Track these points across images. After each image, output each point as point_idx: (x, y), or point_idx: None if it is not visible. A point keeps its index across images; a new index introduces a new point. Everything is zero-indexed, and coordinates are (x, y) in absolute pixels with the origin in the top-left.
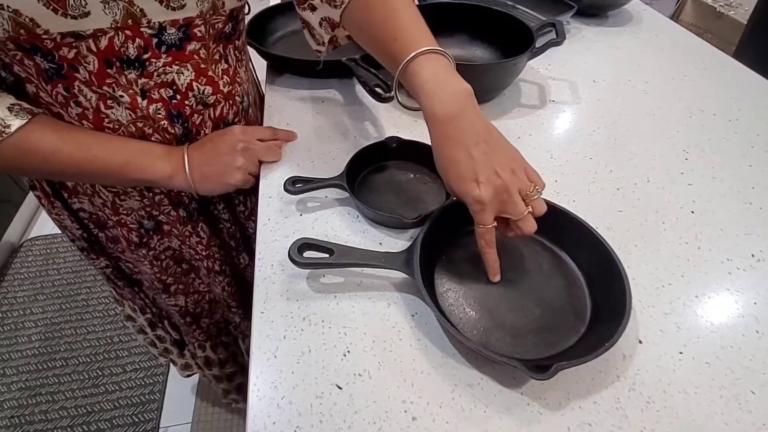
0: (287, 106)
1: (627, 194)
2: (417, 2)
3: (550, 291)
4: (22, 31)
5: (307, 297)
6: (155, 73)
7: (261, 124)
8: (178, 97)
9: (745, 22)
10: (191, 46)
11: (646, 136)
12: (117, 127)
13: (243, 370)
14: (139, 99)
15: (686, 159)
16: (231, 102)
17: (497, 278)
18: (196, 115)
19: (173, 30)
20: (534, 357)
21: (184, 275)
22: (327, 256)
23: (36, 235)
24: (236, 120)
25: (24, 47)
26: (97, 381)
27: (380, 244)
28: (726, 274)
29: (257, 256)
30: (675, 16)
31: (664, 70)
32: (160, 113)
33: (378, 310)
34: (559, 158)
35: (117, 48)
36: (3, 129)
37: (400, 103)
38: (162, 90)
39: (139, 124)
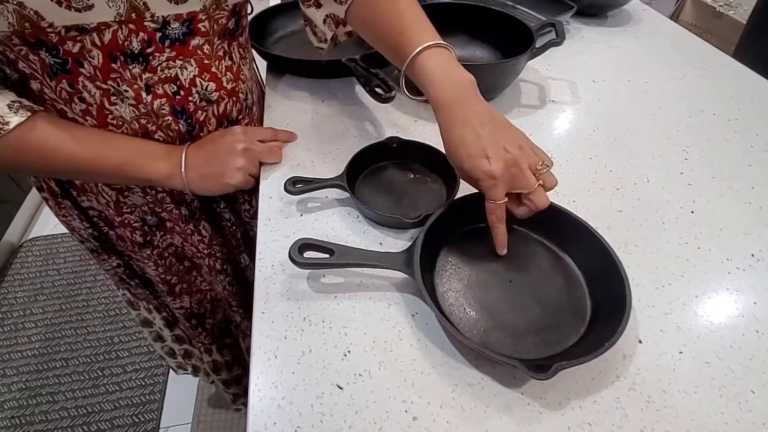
0: (287, 107)
1: (627, 194)
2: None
3: (550, 291)
4: (27, 24)
5: (308, 297)
6: (159, 68)
7: (263, 123)
8: (182, 93)
9: (745, 22)
10: (195, 41)
11: (645, 136)
12: (120, 123)
13: (248, 371)
14: (144, 94)
15: (686, 159)
16: (234, 99)
17: (504, 251)
18: (200, 112)
19: (177, 24)
20: (534, 357)
21: (186, 273)
22: (327, 256)
23: (36, 235)
24: (240, 117)
25: (29, 42)
26: (97, 381)
27: (380, 244)
28: (726, 273)
29: (257, 256)
30: (674, 16)
31: (663, 70)
32: (164, 109)
33: (378, 311)
34: (558, 158)
35: (121, 42)
36: (1, 126)
37: (406, 94)
38: (166, 85)
39: (143, 121)
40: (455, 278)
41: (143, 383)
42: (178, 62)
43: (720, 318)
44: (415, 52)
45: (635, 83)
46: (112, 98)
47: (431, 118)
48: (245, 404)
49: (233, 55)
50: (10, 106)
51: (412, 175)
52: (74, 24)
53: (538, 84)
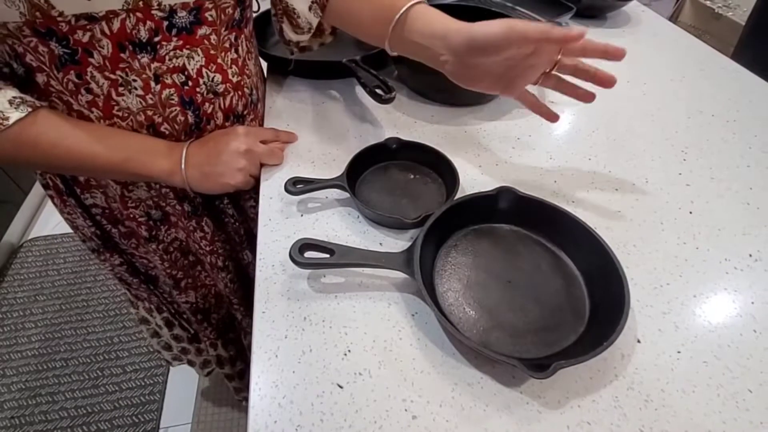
0: (288, 108)
1: (625, 195)
2: None
3: (550, 291)
4: (37, 13)
5: (308, 297)
6: (167, 57)
7: (264, 123)
8: (190, 83)
9: (744, 24)
10: (202, 31)
11: (644, 136)
12: (126, 115)
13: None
14: (153, 84)
15: (684, 160)
16: (240, 93)
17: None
18: (207, 104)
19: (184, 13)
20: (533, 356)
21: (191, 268)
22: (327, 256)
23: (36, 235)
24: (246, 112)
25: (40, 32)
26: (97, 382)
27: (380, 244)
28: (724, 273)
29: (258, 256)
30: (673, 18)
31: (662, 71)
32: (172, 99)
33: (378, 310)
34: (558, 159)
35: (129, 30)
36: (1, 121)
37: (388, 50)
38: (174, 75)
39: (149, 112)
40: (455, 278)
41: (143, 383)
42: (185, 51)
43: (718, 318)
44: (410, 3)
45: (634, 84)
46: (120, 89)
47: (431, 118)
48: (246, 399)
49: (239, 48)
50: (11, 102)
51: (412, 176)
52: (83, 12)
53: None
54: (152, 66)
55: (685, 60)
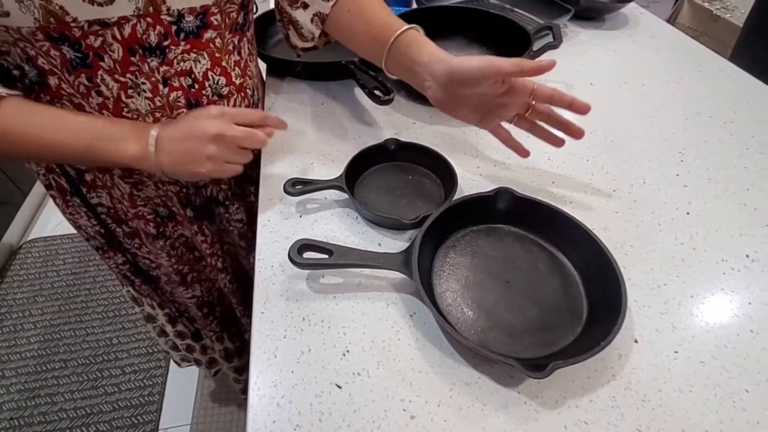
0: (287, 109)
1: (623, 195)
2: (416, 5)
3: (547, 291)
4: (51, 19)
5: (307, 297)
6: (175, 61)
7: None
8: (196, 86)
9: (741, 26)
10: (208, 35)
11: (642, 137)
12: (135, 117)
13: None
14: (161, 86)
15: (682, 161)
16: (243, 95)
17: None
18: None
19: (191, 18)
20: (531, 356)
21: (196, 262)
22: (326, 256)
23: (35, 236)
24: None
25: (52, 36)
26: (96, 383)
27: (379, 245)
28: (721, 274)
29: (257, 257)
30: (671, 20)
31: (660, 72)
32: (179, 101)
33: (377, 311)
34: (555, 160)
35: (140, 35)
36: None
37: (386, 71)
38: (182, 78)
39: (157, 114)
40: (453, 279)
41: (142, 384)
42: (192, 55)
43: (715, 318)
44: (404, 28)
45: (632, 86)
46: (129, 91)
47: (429, 119)
48: None
49: (242, 50)
50: None
51: (410, 177)
52: (96, 18)
53: None
54: (161, 69)
55: (682, 62)
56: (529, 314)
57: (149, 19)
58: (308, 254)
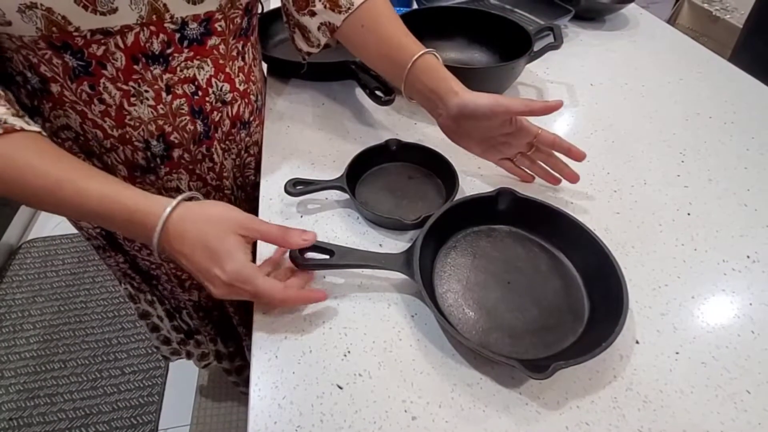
0: (287, 109)
1: (624, 196)
2: (417, 6)
3: (548, 292)
4: (54, 29)
5: None
6: (178, 68)
7: (264, 125)
8: (200, 93)
9: (741, 26)
10: (212, 41)
11: (642, 138)
12: (138, 124)
13: (249, 364)
14: (164, 94)
15: (682, 161)
16: (247, 101)
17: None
18: (215, 113)
19: (195, 25)
20: (532, 357)
21: None
22: (327, 257)
23: (35, 237)
24: (251, 119)
25: (55, 45)
26: (95, 383)
27: (380, 245)
28: (722, 275)
29: (258, 257)
30: (671, 20)
31: (660, 73)
32: (183, 108)
33: (378, 311)
34: None
35: (143, 44)
36: None
37: (402, 93)
38: (185, 85)
39: (160, 122)
40: (454, 279)
41: (142, 385)
42: (196, 62)
43: (716, 319)
44: (423, 51)
45: (632, 86)
46: (132, 99)
47: (430, 120)
48: (245, 392)
49: (246, 56)
50: None
51: (411, 177)
52: (99, 27)
53: (536, 87)
54: (164, 77)
55: (682, 62)
56: (530, 315)
57: (152, 28)
58: (309, 254)
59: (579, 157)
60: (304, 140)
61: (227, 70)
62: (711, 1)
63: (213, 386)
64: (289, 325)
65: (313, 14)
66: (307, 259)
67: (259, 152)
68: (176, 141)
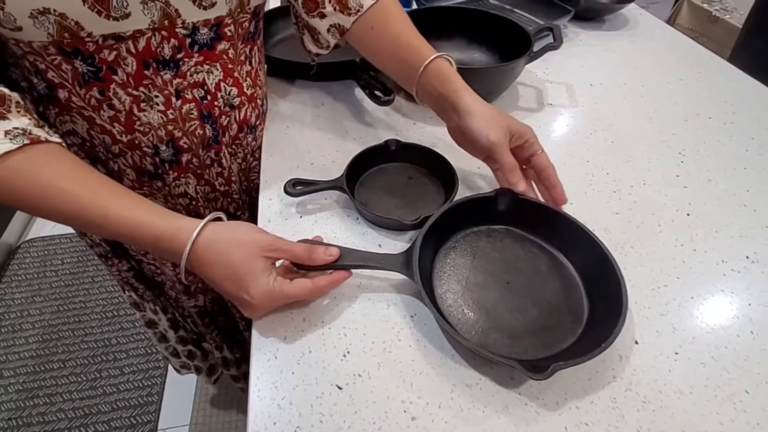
0: (287, 109)
1: (623, 196)
2: (416, 6)
3: (548, 292)
4: (66, 34)
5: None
6: (188, 73)
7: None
8: (209, 97)
9: (740, 27)
10: (221, 46)
11: (642, 139)
12: (148, 130)
13: None
14: (174, 99)
15: (682, 162)
16: (254, 105)
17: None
18: (224, 117)
19: (205, 30)
20: (531, 357)
21: None
22: None
23: (34, 236)
24: (257, 123)
25: (66, 51)
26: (95, 383)
27: (379, 245)
28: (721, 275)
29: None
30: (671, 21)
31: (660, 73)
32: (192, 113)
33: (377, 312)
34: (556, 161)
35: (154, 49)
36: None
37: (415, 96)
38: (194, 90)
39: (170, 127)
40: (453, 280)
41: (141, 385)
42: (206, 66)
43: (715, 319)
44: (436, 55)
45: (632, 87)
46: (142, 104)
47: (429, 120)
48: None
49: (252, 60)
50: (8, 133)
51: (411, 178)
52: (111, 32)
53: (535, 87)
54: (174, 82)
55: (682, 63)
56: (529, 315)
57: (164, 33)
58: None
59: (560, 200)
60: (303, 140)
61: (235, 74)
62: (710, 1)
63: (212, 387)
64: (289, 326)
65: (322, 16)
66: None
67: (259, 153)
68: (185, 146)
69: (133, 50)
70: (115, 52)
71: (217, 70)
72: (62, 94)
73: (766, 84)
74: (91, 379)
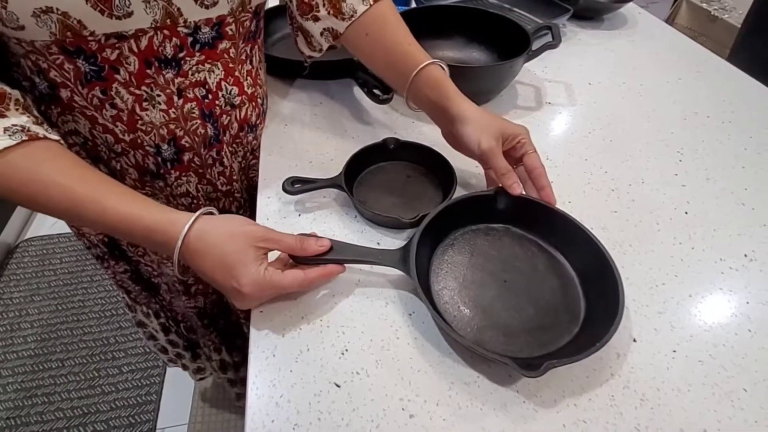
0: (285, 108)
1: (622, 195)
2: (415, 5)
3: (545, 291)
4: (68, 33)
5: (306, 296)
6: (190, 72)
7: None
8: (210, 96)
9: (739, 26)
10: (222, 45)
11: (640, 137)
12: (150, 129)
13: None
14: (175, 98)
15: (680, 160)
16: (254, 104)
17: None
18: (224, 116)
19: (207, 29)
20: (527, 356)
21: None
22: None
23: (32, 235)
24: (258, 122)
25: (68, 50)
26: (93, 382)
27: (378, 243)
28: (719, 273)
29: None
30: (670, 20)
31: (658, 72)
32: (194, 112)
33: (375, 309)
34: (554, 160)
35: (156, 48)
36: None
37: (409, 105)
38: (196, 89)
39: (172, 126)
40: (450, 277)
41: (140, 384)
42: (207, 65)
43: (713, 317)
44: (426, 62)
45: (630, 86)
46: (144, 104)
47: (428, 119)
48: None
49: (253, 59)
50: (6, 129)
51: (409, 176)
52: (114, 31)
53: (534, 86)
54: (176, 81)
55: (681, 62)
56: (526, 314)
57: (166, 32)
58: None
59: (549, 199)
60: (302, 139)
61: (236, 73)
62: (709, 0)
63: (211, 386)
64: (287, 324)
65: (316, 19)
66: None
67: (258, 152)
68: (187, 145)
69: (135, 49)
70: (117, 51)
71: (219, 69)
72: (64, 93)
73: (764, 83)
74: (89, 378)
